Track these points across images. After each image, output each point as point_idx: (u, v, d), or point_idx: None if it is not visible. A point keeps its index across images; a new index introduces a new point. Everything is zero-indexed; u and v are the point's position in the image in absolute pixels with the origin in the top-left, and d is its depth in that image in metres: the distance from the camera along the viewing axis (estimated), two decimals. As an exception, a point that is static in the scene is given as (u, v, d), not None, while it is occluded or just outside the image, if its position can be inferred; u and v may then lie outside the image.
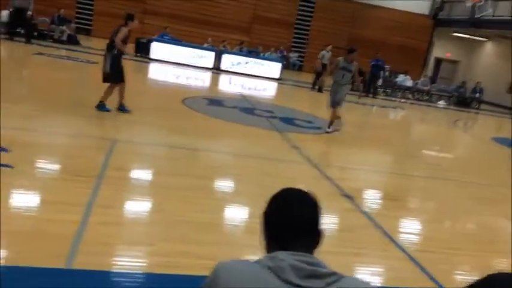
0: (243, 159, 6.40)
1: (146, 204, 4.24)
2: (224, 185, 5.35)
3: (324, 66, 15.45)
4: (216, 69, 16.68)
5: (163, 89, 12.08)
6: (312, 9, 23.68)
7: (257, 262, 1.28)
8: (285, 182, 5.36)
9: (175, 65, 16.14)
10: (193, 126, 7.74)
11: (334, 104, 8.53)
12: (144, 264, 3.19)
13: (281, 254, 1.27)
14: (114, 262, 3.14)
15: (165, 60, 16.30)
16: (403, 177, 7.04)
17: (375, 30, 24.10)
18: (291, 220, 1.33)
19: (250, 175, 5.61)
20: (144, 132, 6.93)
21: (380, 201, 5.73)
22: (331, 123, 8.63)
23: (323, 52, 16.14)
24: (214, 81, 15.45)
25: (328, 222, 4.65)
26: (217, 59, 17.10)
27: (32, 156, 4.81)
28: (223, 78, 15.96)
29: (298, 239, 1.31)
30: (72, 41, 16.88)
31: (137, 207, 4.15)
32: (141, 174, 5.10)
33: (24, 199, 3.83)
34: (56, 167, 4.82)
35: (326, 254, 3.98)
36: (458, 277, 3.88)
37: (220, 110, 9.46)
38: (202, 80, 15.25)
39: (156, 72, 15.42)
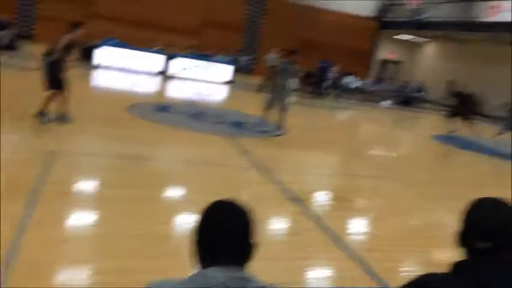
0: (192, 166, 6.31)
1: (88, 218, 4.07)
2: (172, 194, 5.25)
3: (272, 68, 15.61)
4: (165, 73, 16.44)
5: (108, 96, 11.76)
6: (262, 12, 23.86)
7: (187, 280, 1.26)
8: (234, 188, 5.38)
9: (122, 70, 15.77)
10: (139, 134, 7.56)
11: (270, 105, 8.57)
12: (86, 283, 3.05)
13: (211, 271, 1.25)
14: (51, 284, 2.98)
15: (112, 65, 15.89)
16: (351, 178, 7.19)
17: (323, 33, 24.60)
18: (220, 233, 1.31)
19: (199, 183, 5.54)
20: (87, 142, 6.69)
21: (328, 203, 5.82)
22: (279, 126, 8.69)
23: (267, 56, 16.28)
24: (163, 87, 15.22)
25: (276, 227, 4.67)
26: (167, 63, 16.86)
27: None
28: (172, 83, 15.75)
29: (229, 253, 1.30)
30: (12, 47, 16.13)
31: (77, 222, 3.99)
32: (83, 187, 4.91)
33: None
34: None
35: (275, 260, 3.99)
36: (403, 274, 3.99)
37: (168, 116, 9.31)
38: (150, 85, 14.98)
39: (101, 78, 14.99)
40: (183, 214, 4.54)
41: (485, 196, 1.49)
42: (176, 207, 4.76)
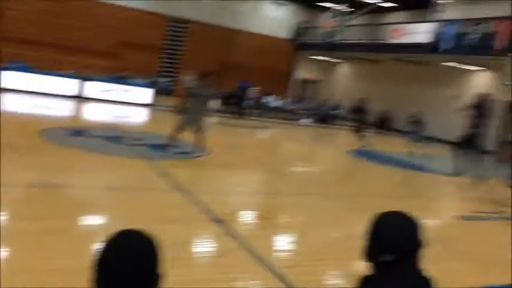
0: (109, 192, 6.04)
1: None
2: (88, 223, 4.97)
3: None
4: (81, 97, 15.76)
5: (17, 121, 10.98)
6: (181, 34, 23.83)
7: None
8: (155, 212, 5.20)
9: (33, 94, 14.88)
10: (52, 160, 7.13)
11: (182, 127, 8.49)
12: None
13: None
14: None
15: (21, 89, 14.95)
16: (274, 196, 7.27)
17: (244, 55, 25.09)
18: (121, 266, 1.23)
19: (118, 209, 5.30)
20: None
21: (251, 222, 5.83)
22: (199, 147, 8.60)
23: (185, 78, 16.22)
24: (78, 110, 14.55)
25: (200, 249, 4.58)
26: (82, 86, 16.19)
27: None
28: (88, 107, 15.11)
29: (131, 286, 1.22)
30: None
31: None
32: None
33: None
34: None
35: (199, 283, 3.87)
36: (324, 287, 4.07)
37: (84, 141, 8.88)
38: (64, 109, 14.25)
39: (8, 103, 14.02)
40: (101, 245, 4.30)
41: (393, 209, 1.55)
42: (96, 237, 4.49)
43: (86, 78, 16.47)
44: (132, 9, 22.26)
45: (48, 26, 20.59)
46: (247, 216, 5.99)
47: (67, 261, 3.72)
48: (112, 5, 21.85)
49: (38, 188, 5.62)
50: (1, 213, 4.71)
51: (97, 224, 4.95)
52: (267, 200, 7.04)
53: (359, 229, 6.01)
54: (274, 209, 6.52)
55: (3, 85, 14.82)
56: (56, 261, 3.68)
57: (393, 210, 1.55)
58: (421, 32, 18.63)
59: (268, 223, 5.75)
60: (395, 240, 1.44)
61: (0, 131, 8.99)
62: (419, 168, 11.85)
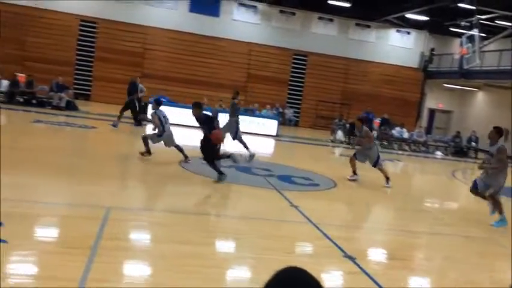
0: (242, 221, 6.29)
1: (140, 276, 4.09)
2: (223, 250, 5.22)
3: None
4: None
5: (160, 151, 12.08)
6: (304, 66, 24.36)
7: None
8: (285, 244, 5.27)
9: (172, 126, 16.27)
10: (191, 189, 7.68)
11: None
12: None
13: None
14: None
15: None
16: (406, 235, 6.86)
17: (368, 84, 24.72)
18: None
19: (250, 238, 5.49)
20: (140, 197, 6.84)
21: (384, 261, 5.57)
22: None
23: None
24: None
25: (331, 286, 4.50)
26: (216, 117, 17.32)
27: (27, 229, 4.70)
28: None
29: None
30: (70, 107, 17.14)
31: (131, 279, 4.01)
32: (136, 244, 4.97)
33: (18, 275, 3.70)
34: (50, 239, 4.71)
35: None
36: None
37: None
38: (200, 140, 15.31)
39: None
40: (235, 271, 4.49)
41: None
42: (228, 264, 4.71)
43: (217, 111, 17.63)
44: (259, 45, 23.42)
45: (185, 64, 22.59)
46: (379, 256, 5.75)
47: (201, 285, 3.93)
48: (241, 42, 23.24)
49: (177, 213, 6.08)
50: (144, 236, 5.20)
51: (230, 252, 5.17)
52: (400, 238, 6.66)
53: (506, 276, 5.40)
54: (408, 249, 6.16)
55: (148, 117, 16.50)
56: (191, 283, 3.91)
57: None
58: None
59: (403, 264, 5.43)
60: None
61: (147, 160, 9.99)
62: None
